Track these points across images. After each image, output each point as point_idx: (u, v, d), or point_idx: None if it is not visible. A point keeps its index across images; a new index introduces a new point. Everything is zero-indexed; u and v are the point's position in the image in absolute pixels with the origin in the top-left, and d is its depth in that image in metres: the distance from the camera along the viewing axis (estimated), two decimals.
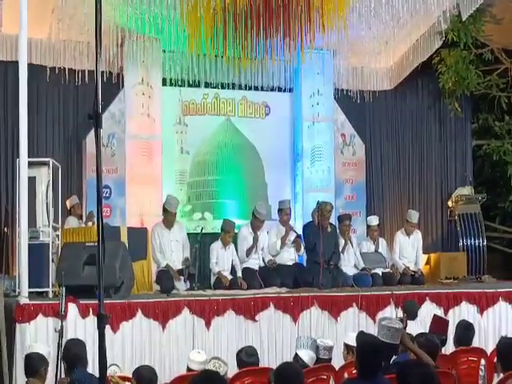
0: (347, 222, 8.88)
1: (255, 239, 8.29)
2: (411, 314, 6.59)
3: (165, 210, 8.03)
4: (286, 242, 8.49)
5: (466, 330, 5.96)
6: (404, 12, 8.76)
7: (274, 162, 10.60)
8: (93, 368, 5.27)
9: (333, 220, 8.99)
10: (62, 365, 5.11)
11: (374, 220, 9.31)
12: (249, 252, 8.32)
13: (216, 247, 8.26)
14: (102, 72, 8.97)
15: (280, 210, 8.72)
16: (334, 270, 8.27)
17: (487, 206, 11.25)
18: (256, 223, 8.38)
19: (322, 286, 7.83)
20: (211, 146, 10.49)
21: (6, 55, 9.12)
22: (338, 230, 8.73)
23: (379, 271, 8.82)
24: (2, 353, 5.90)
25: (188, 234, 8.57)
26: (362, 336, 4.89)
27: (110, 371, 4.92)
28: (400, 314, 6.84)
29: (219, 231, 8.46)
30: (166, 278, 7.76)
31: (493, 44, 10.82)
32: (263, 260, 8.40)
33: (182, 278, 7.85)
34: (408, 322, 6.12)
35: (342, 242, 8.72)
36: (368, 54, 10.21)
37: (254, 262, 8.36)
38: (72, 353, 5.00)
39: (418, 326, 6.41)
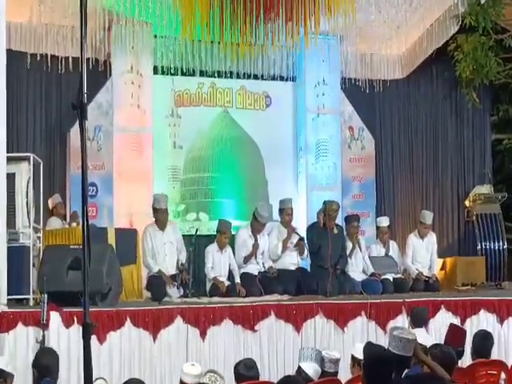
0: (355, 223, 8.88)
1: (255, 246, 8.31)
2: (419, 320, 6.63)
3: (154, 210, 8.07)
4: (288, 245, 8.51)
5: (484, 341, 5.97)
6: None
7: (275, 158, 10.59)
8: (78, 382, 5.32)
9: (339, 221, 9.00)
10: (33, 372, 5.16)
11: (384, 221, 9.35)
12: (247, 259, 8.36)
13: (211, 250, 8.28)
14: (88, 59, 8.56)
15: (281, 210, 8.72)
16: (340, 276, 8.29)
17: (508, 205, 11.29)
18: (256, 226, 8.40)
19: (327, 292, 7.87)
20: (207, 140, 10.48)
21: None
22: (345, 232, 8.75)
23: (390, 277, 8.85)
24: None
25: (182, 235, 8.60)
26: (369, 347, 4.91)
27: None
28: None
29: (215, 233, 8.51)
30: (157, 284, 7.80)
31: None
32: (263, 265, 8.44)
33: (175, 284, 7.88)
34: (416, 329, 6.14)
35: (349, 244, 8.74)
36: (378, 40, 10.25)
37: (254, 267, 8.40)
38: (42, 363, 5.06)
39: (433, 335, 6.53)
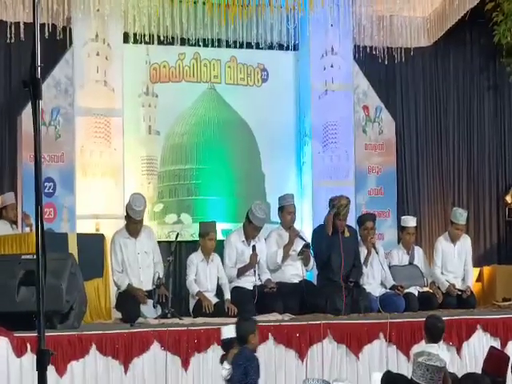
0: (370, 223, 8.94)
1: (253, 258, 8.34)
2: (435, 334, 6.59)
3: (128, 216, 8.16)
4: (290, 252, 8.58)
5: None
6: None
7: (273, 146, 10.61)
8: None
9: (351, 221, 9.07)
10: None
11: (410, 220, 9.38)
12: (242, 272, 8.43)
13: (195, 260, 8.31)
14: (43, 25, 8.87)
15: (281, 209, 8.79)
16: (353, 290, 8.37)
17: None
18: (250, 230, 8.47)
19: (338, 310, 7.99)
20: (189, 125, 10.47)
21: None
22: (358, 236, 8.82)
23: (415, 291, 8.96)
24: None
25: (159, 242, 8.71)
26: (389, 377, 4.96)
27: None
28: None
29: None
30: (129, 302, 7.87)
31: None
32: (259, 278, 8.51)
33: (151, 301, 7.94)
34: (430, 345, 6.24)
35: (363, 251, 8.81)
36: None
37: (248, 280, 8.48)
38: None
39: (467, 362, 6.73)
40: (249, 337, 6.10)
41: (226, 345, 6.24)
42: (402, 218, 9.62)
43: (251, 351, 6.11)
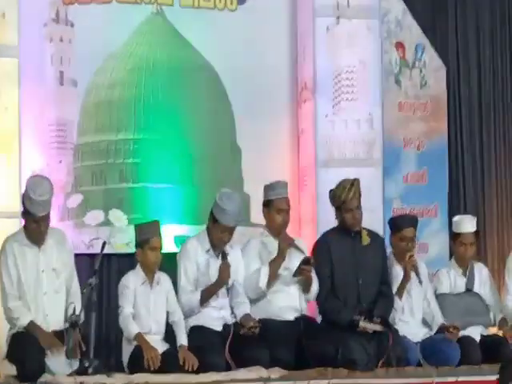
0: (410, 231, 8.37)
1: (224, 270, 7.85)
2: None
3: (26, 212, 7.55)
4: (281, 271, 7.97)
5: None
6: None
7: (255, 105, 9.92)
8: None
9: (379, 225, 8.81)
10: None
11: (467, 222, 8.82)
12: (209, 295, 7.85)
13: (132, 283, 7.73)
14: None
15: (267, 204, 8.17)
16: (380, 332, 7.78)
17: None
18: (217, 234, 7.91)
19: (354, 364, 7.48)
20: (124, 71, 9.73)
21: None
22: (389, 249, 8.38)
23: (476, 332, 8.34)
24: None
25: (76, 255, 7.95)
26: None
27: None
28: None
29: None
30: (28, 349, 7.29)
31: None
32: (232, 311, 7.94)
33: (64, 348, 7.27)
34: None
35: (397, 271, 8.25)
36: None
37: (215, 315, 7.84)
38: None
39: None
40: None
41: None
42: (455, 219, 8.97)
43: None
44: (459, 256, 8.60)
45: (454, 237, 8.76)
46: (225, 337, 7.59)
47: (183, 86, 9.82)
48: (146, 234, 7.72)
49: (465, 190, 10.51)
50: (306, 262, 7.82)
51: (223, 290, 7.87)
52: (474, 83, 10.61)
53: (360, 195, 8.10)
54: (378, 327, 7.90)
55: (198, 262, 7.89)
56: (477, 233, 8.76)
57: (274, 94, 9.98)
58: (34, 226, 7.46)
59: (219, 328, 7.68)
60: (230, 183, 9.34)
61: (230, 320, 7.81)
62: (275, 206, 8.04)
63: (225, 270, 7.85)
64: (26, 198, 7.43)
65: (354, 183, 8.09)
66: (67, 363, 7.18)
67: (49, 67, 9.41)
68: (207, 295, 7.80)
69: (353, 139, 9.86)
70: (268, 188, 8.16)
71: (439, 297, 8.38)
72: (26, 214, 7.46)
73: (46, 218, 7.51)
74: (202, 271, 7.89)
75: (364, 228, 8.07)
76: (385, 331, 7.92)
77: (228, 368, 7.30)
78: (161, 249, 7.80)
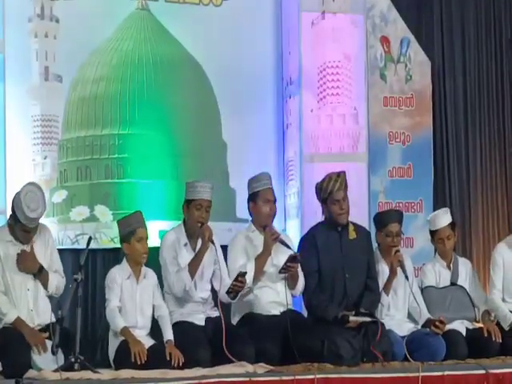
0: (396, 226, 8.38)
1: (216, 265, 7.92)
2: None
3: (15, 219, 7.52)
4: (266, 267, 8.00)
5: None
6: None
7: (240, 99, 10.06)
8: None
9: (364, 220, 8.91)
10: None
11: (441, 219, 8.81)
12: (194, 269, 7.80)
13: (119, 277, 7.73)
14: None
15: (253, 196, 8.21)
16: (366, 327, 7.78)
17: None
18: (192, 217, 7.95)
19: (340, 358, 7.50)
20: (109, 66, 9.85)
21: None
22: (374, 244, 8.43)
23: (461, 327, 8.35)
24: None
25: (61, 251, 7.97)
26: None
27: None
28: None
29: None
30: (14, 345, 7.27)
31: None
32: (214, 305, 7.97)
33: (50, 345, 7.31)
34: None
35: (383, 267, 8.30)
36: None
37: (199, 311, 7.87)
38: None
39: None
40: None
41: None
42: (428, 218, 9.08)
43: None
44: (441, 251, 8.66)
45: (432, 234, 8.83)
46: (210, 331, 7.62)
47: (168, 80, 9.95)
48: (131, 225, 7.74)
49: (450, 184, 10.58)
50: (292, 259, 7.86)
51: (206, 285, 7.88)
52: (458, 78, 10.70)
53: (346, 187, 8.13)
54: (367, 318, 7.94)
55: (176, 255, 7.93)
56: (453, 224, 8.78)
57: (259, 88, 10.12)
58: (23, 234, 7.51)
59: (202, 322, 7.73)
60: (215, 178, 9.39)
61: (210, 314, 7.82)
62: (261, 196, 8.08)
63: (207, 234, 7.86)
64: (18, 210, 7.43)
65: (341, 175, 8.15)
66: (53, 359, 7.23)
67: (34, 63, 9.48)
68: (193, 268, 7.81)
69: (338, 134, 9.97)
70: (252, 181, 8.24)
71: (424, 290, 8.44)
72: (14, 219, 7.47)
73: (36, 227, 7.55)
74: (181, 264, 7.92)
75: (351, 222, 8.13)
76: (375, 321, 7.96)
77: (213, 364, 7.28)
78: (147, 238, 7.81)
